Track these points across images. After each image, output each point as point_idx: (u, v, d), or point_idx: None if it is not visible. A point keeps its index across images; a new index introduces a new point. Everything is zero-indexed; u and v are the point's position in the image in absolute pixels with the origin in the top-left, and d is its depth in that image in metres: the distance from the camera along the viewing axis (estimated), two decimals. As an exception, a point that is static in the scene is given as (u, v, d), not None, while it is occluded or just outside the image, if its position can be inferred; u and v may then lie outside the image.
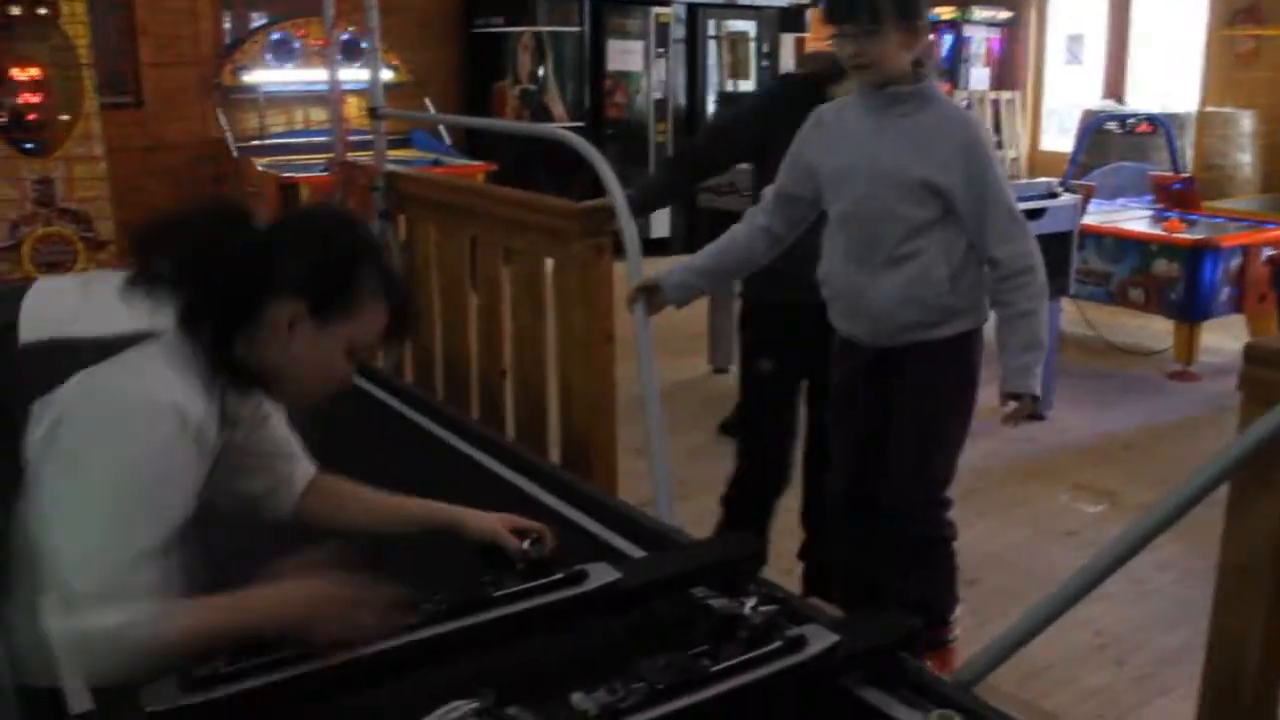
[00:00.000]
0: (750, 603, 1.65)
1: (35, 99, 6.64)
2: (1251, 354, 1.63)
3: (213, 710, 1.42)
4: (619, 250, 2.98)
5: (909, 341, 2.50)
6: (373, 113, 4.27)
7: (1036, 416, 2.60)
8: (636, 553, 2.12)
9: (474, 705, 1.40)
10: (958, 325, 2.49)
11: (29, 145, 6.47)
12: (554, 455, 3.18)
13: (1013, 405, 2.44)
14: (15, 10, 6.41)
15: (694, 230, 7.39)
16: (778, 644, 1.59)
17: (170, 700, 1.40)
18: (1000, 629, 1.88)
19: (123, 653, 1.38)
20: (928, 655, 2.39)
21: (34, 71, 6.62)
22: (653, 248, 8.03)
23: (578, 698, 1.44)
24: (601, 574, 1.75)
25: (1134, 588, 3.28)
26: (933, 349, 2.50)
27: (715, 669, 1.53)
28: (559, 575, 1.73)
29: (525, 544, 1.80)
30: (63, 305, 1.51)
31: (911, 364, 2.53)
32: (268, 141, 7.51)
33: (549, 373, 3.29)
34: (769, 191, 2.66)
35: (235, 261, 1.50)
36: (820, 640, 1.62)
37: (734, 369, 5.25)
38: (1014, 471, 4.32)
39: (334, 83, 4.64)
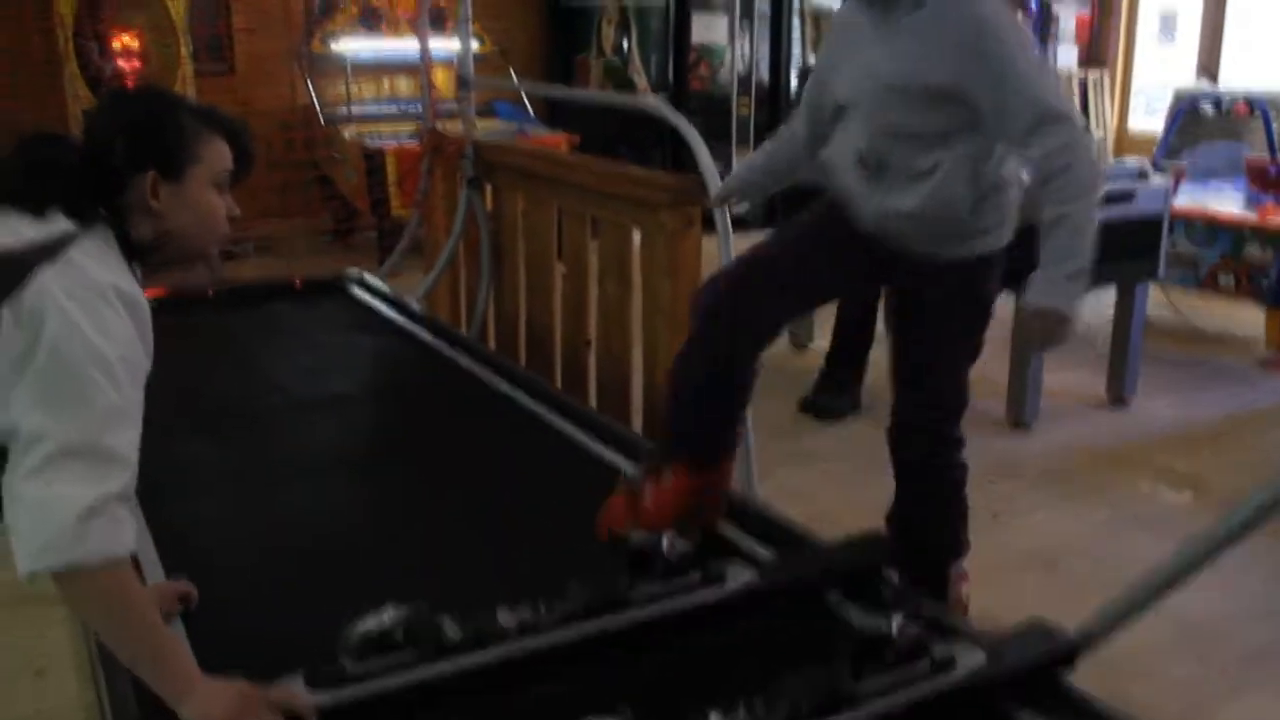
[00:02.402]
0: (897, 621, 1.57)
1: (133, 66, 6.80)
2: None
3: (340, 710, 1.43)
4: (706, 223, 2.99)
5: (921, 256, 2.32)
6: (462, 83, 4.32)
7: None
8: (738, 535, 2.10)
9: None
10: (976, 247, 2.31)
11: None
12: (636, 425, 3.21)
13: (1034, 324, 2.15)
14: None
15: (772, 206, 7.35)
16: (926, 665, 1.55)
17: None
18: (1080, 616, 1.85)
19: (67, 535, 1.39)
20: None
21: (132, 39, 6.78)
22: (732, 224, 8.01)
23: (716, 716, 1.39)
24: (738, 575, 1.72)
25: (1216, 579, 3.22)
26: (947, 270, 2.31)
27: (862, 690, 1.48)
28: (697, 577, 1.70)
29: (665, 543, 1.75)
30: None
31: (922, 282, 2.34)
32: (354, 110, 7.60)
33: (634, 343, 3.32)
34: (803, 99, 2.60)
35: (76, 173, 1.62)
36: (970, 660, 1.58)
37: (813, 345, 5.27)
38: (1096, 457, 4.26)
39: (424, 52, 4.69)
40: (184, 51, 6.90)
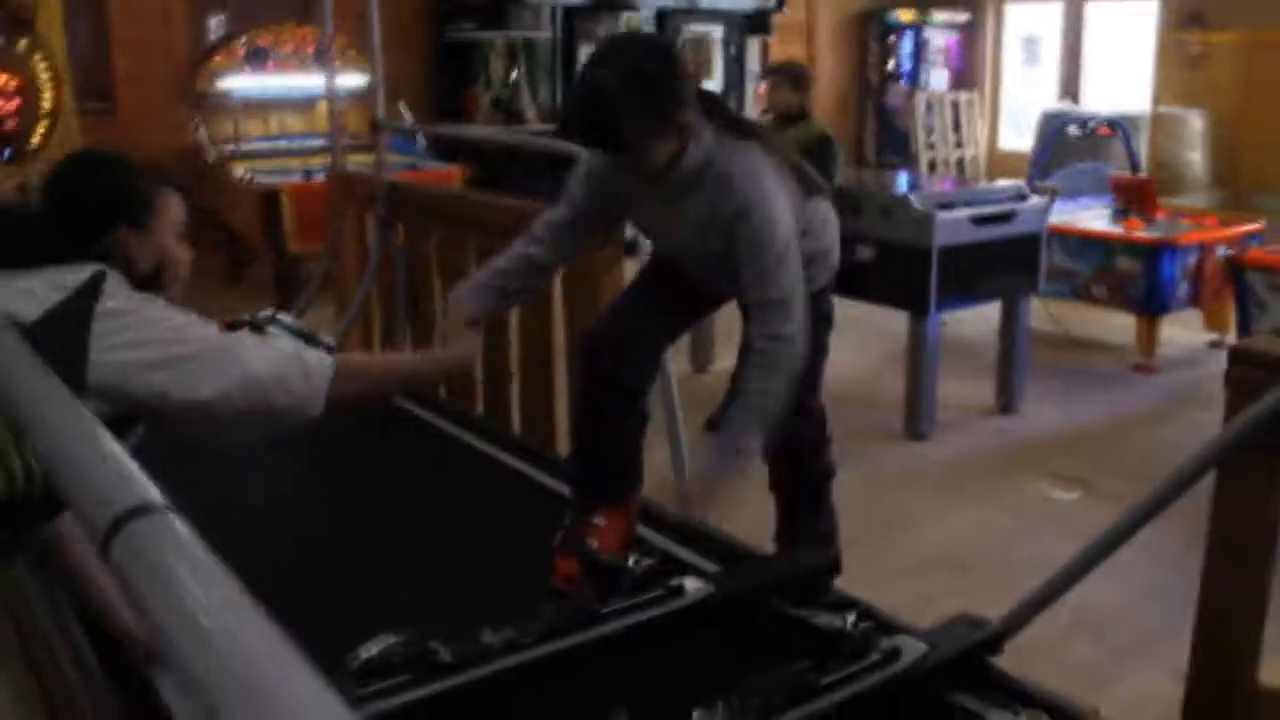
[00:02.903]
0: (850, 618, 1.74)
1: (10, 106, 6.71)
2: (1236, 356, 1.82)
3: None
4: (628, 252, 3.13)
5: None
6: (374, 124, 4.39)
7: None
8: (674, 548, 2.24)
9: None
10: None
11: (6, 152, 6.54)
12: (561, 450, 3.33)
13: (696, 487, 2.25)
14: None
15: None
16: (875, 657, 1.72)
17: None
18: (997, 611, 2.03)
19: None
20: None
21: (9, 80, 6.69)
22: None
23: (699, 715, 1.54)
24: (695, 588, 1.89)
25: (1107, 568, 3.46)
26: None
27: (825, 682, 1.64)
28: (660, 591, 1.87)
29: (631, 561, 1.92)
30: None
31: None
32: (245, 147, 7.57)
33: (557, 372, 3.43)
34: (554, 216, 2.49)
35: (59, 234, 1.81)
36: (912, 651, 1.76)
37: (715, 367, 5.44)
38: (990, 463, 4.52)
39: (332, 91, 4.74)
40: (65, 91, 6.81)
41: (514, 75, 8.33)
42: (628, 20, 8.61)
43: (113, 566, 0.73)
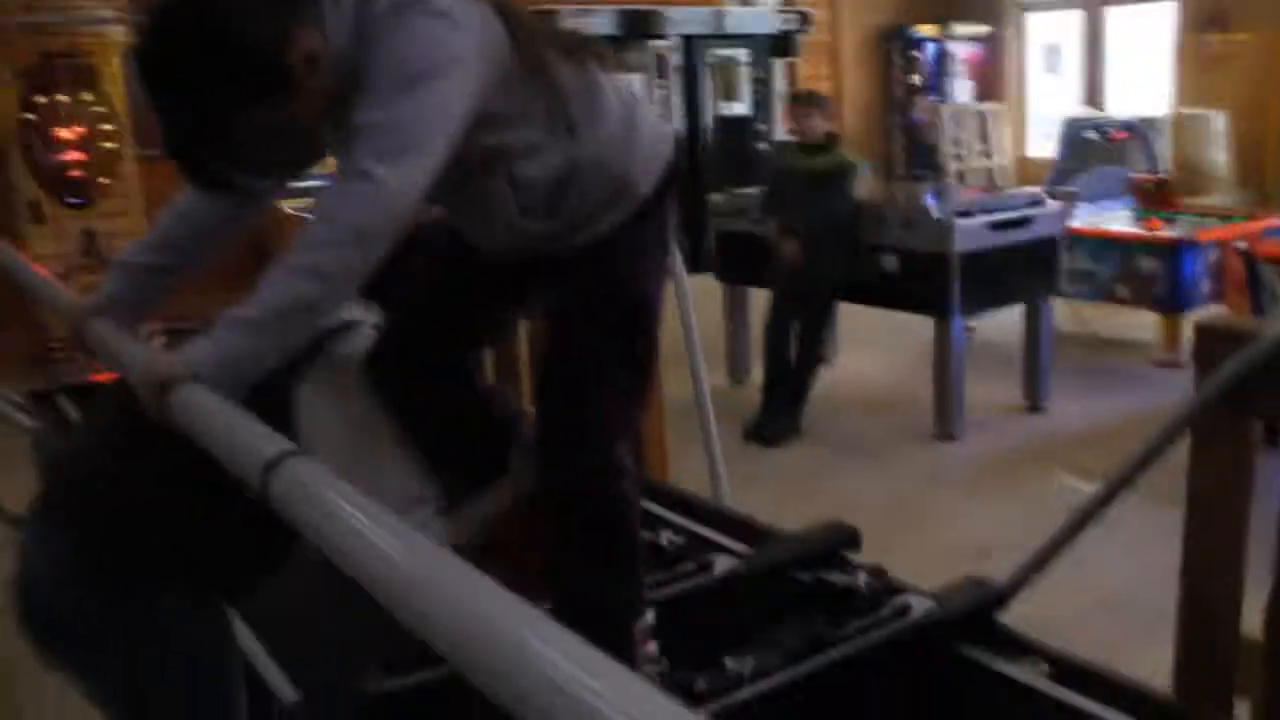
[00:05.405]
0: (862, 577, 1.94)
1: (78, 156, 7.10)
2: (1201, 332, 2.03)
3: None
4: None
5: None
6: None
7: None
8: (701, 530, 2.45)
9: None
10: (599, 227, 1.72)
11: (74, 200, 6.91)
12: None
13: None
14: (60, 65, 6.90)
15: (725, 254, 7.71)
16: (887, 612, 1.92)
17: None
18: (1027, 601, 2.17)
19: None
20: None
21: (78, 129, 7.09)
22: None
23: (730, 661, 1.75)
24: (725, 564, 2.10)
25: (1124, 549, 3.64)
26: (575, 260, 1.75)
27: (841, 634, 1.84)
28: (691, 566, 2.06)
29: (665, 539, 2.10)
30: None
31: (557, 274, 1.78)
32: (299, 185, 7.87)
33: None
34: None
35: None
36: (922, 607, 1.96)
37: (753, 378, 5.65)
38: (1016, 460, 4.71)
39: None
40: (125, 141, 7.15)
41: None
42: (656, 48, 8.87)
43: (274, 502, 0.91)
